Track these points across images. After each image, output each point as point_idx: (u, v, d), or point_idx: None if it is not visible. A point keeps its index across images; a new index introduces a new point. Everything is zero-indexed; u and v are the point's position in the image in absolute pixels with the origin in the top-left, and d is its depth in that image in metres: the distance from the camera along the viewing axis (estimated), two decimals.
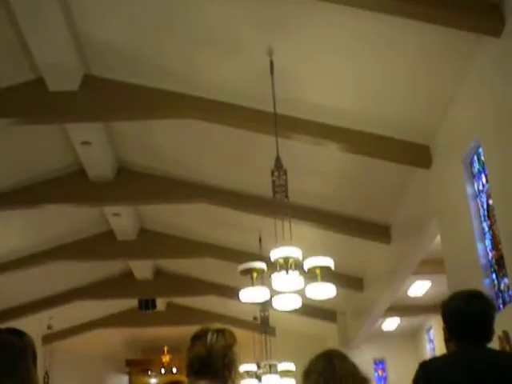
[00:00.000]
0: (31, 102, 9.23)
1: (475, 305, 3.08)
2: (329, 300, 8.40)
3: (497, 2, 6.58)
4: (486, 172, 7.65)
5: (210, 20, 7.88)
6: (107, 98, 9.32)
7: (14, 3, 7.50)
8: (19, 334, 2.98)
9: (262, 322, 13.65)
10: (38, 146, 10.85)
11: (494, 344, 3.24)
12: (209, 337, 3.13)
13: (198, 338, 3.16)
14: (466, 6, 6.63)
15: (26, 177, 11.50)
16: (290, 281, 7.01)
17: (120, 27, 8.36)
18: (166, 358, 20.49)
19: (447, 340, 3.17)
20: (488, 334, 3.10)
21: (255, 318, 15.01)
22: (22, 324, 14.74)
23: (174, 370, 20.30)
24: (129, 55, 8.83)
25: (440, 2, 6.66)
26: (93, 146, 10.58)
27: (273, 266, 7.20)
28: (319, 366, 2.89)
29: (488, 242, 7.84)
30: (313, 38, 7.78)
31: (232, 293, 13.39)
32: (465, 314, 3.08)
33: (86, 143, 10.47)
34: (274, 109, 8.00)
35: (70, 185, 11.77)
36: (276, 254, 7.04)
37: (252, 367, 13.45)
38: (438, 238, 9.60)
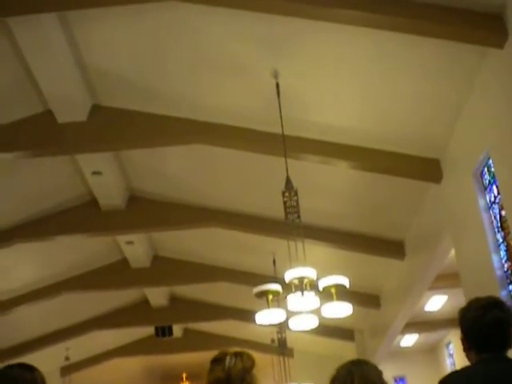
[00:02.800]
0: (41, 134, 9.30)
1: (491, 315, 3.07)
2: (346, 319, 8.38)
3: (499, 13, 6.60)
4: (497, 183, 7.63)
5: (214, 46, 7.94)
6: (116, 127, 9.38)
7: (20, 37, 7.58)
8: (30, 368, 3.03)
9: (280, 343, 13.61)
10: (49, 177, 10.91)
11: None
12: (227, 360, 3.12)
13: (216, 361, 3.15)
14: (469, 18, 6.65)
15: (37, 209, 11.54)
16: (305, 301, 7.00)
17: (125, 56, 8.42)
18: None
19: (466, 349, 3.16)
20: (507, 341, 3.09)
21: (273, 341, 14.96)
22: (39, 356, 14.83)
23: None
24: (135, 84, 8.89)
25: (443, 16, 6.68)
26: (104, 175, 10.62)
27: (288, 287, 7.19)
28: (340, 375, 2.90)
29: (503, 254, 7.81)
30: (317, 59, 7.82)
31: (248, 316, 13.34)
32: (481, 326, 3.06)
33: (96, 173, 10.52)
34: (282, 130, 8.03)
35: (82, 215, 11.81)
36: (290, 274, 7.03)
37: None
38: (453, 251, 9.57)
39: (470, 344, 3.13)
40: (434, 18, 6.71)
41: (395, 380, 18.96)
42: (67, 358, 17.59)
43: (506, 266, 7.78)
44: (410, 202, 10.20)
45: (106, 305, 16.18)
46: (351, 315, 7.70)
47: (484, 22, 6.65)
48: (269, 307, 7.46)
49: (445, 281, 12.86)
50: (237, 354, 3.17)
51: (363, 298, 13.50)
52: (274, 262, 12.30)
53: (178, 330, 18.57)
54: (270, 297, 7.42)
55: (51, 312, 15.01)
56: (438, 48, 7.19)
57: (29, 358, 15.77)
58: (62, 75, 8.36)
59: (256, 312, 7.64)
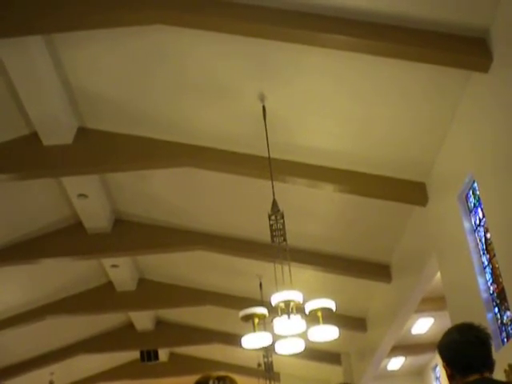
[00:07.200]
0: (26, 157, 9.26)
1: (469, 333, 3.09)
2: (332, 342, 8.35)
3: (483, 37, 6.66)
4: (482, 206, 7.66)
5: (200, 68, 7.96)
6: (102, 149, 9.35)
7: (6, 60, 7.57)
8: None
9: (266, 367, 13.53)
10: (35, 200, 10.84)
11: (500, 378, 3.19)
12: None
13: None
14: (453, 43, 6.70)
15: (22, 232, 11.46)
16: (291, 325, 6.97)
17: (111, 79, 8.42)
18: None
19: (450, 377, 3.13)
20: (489, 361, 3.07)
21: (259, 365, 14.87)
22: (23, 381, 14.65)
23: None
24: (121, 107, 8.89)
25: (428, 41, 6.74)
26: (89, 198, 10.58)
27: (274, 311, 7.16)
28: None
29: (488, 276, 7.83)
30: (303, 82, 7.84)
31: (235, 340, 13.28)
32: (463, 345, 3.06)
33: (82, 196, 10.48)
34: (268, 153, 8.04)
35: (68, 238, 11.71)
36: (277, 298, 7.00)
37: None
38: (439, 274, 9.57)
39: (452, 368, 3.11)
40: (418, 43, 6.76)
41: None
42: (51, 383, 17.40)
43: (491, 288, 7.79)
44: (396, 225, 10.22)
45: (90, 329, 16.03)
46: (338, 339, 7.68)
47: (468, 46, 6.72)
48: (255, 331, 7.42)
49: (431, 304, 12.84)
50: (220, 378, 3.14)
51: (350, 321, 13.46)
52: (261, 285, 12.26)
53: (163, 354, 18.43)
54: (256, 320, 7.37)
55: (35, 336, 14.85)
56: (424, 72, 7.24)
57: (13, 383, 15.61)
58: (48, 98, 8.35)
59: (242, 336, 7.60)
